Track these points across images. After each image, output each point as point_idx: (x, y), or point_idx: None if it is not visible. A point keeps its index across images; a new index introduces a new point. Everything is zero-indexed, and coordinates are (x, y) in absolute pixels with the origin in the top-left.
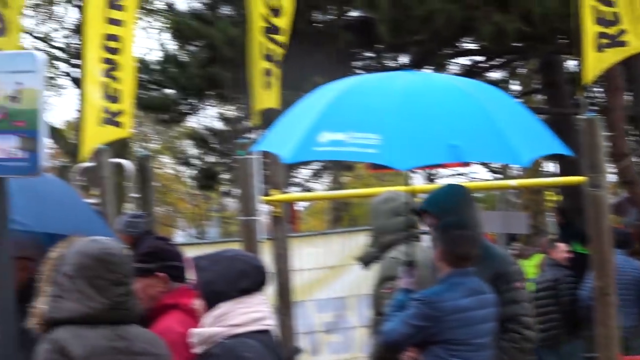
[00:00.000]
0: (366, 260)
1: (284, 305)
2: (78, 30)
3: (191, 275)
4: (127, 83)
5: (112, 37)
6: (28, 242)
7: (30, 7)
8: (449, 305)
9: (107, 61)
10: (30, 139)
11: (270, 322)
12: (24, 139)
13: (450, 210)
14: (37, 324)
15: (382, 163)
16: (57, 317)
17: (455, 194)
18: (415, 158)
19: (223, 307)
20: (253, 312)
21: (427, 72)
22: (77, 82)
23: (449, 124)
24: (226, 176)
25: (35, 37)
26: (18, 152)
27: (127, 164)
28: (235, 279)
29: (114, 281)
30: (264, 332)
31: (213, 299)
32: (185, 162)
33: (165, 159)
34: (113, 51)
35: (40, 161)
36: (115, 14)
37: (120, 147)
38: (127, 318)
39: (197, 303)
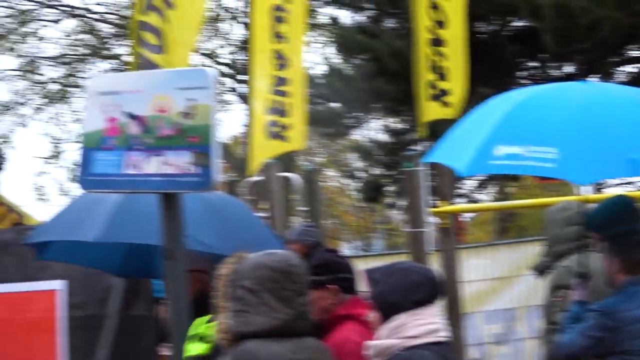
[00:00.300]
0: (540, 269)
1: (454, 317)
2: (244, 46)
3: (362, 287)
4: (295, 97)
5: (280, 52)
6: (200, 255)
7: None
8: (627, 316)
9: (276, 76)
10: (203, 154)
11: (445, 334)
12: (197, 154)
13: (609, 226)
14: (224, 339)
15: (561, 178)
16: (245, 331)
17: (615, 207)
18: (594, 172)
19: (398, 319)
20: (428, 323)
21: (602, 82)
22: (243, 97)
23: (628, 137)
24: (391, 188)
25: (202, 54)
26: (191, 167)
27: (294, 177)
28: (410, 290)
29: (297, 291)
30: (440, 344)
31: (388, 311)
32: (351, 175)
33: (331, 172)
34: (281, 66)
35: (212, 176)
36: (283, 30)
37: (287, 161)
38: (308, 329)
39: (371, 315)
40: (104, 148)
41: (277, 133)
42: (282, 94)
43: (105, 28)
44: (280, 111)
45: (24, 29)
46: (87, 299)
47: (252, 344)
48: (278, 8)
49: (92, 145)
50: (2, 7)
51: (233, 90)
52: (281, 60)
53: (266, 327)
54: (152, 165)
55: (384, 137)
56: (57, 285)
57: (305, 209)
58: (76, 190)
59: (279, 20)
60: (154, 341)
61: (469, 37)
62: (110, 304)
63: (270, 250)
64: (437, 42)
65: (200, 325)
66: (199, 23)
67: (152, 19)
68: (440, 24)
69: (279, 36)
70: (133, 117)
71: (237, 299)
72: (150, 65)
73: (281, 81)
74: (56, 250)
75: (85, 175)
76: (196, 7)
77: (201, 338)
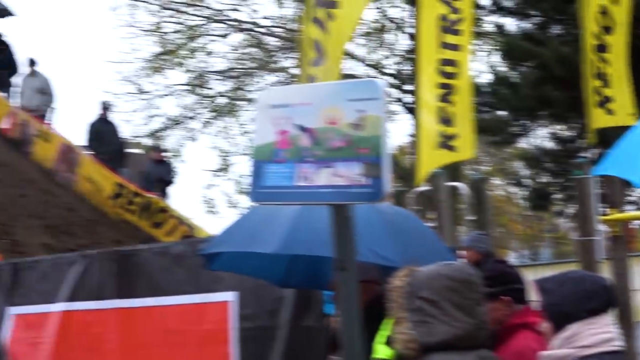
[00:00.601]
0: None
1: (626, 326)
2: (409, 56)
3: (533, 297)
4: (462, 106)
5: (447, 62)
6: (370, 265)
7: (362, 35)
8: None
9: (443, 86)
10: (374, 166)
11: (619, 343)
12: (368, 165)
13: None
14: (409, 349)
15: None
16: (429, 342)
17: None
18: None
19: (572, 329)
20: (602, 332)
21: None
22: (408, 108)
23: None
24: (559, 196)
25: (367, 65)
26: (362, 178)
27: (462, 186)
28: (584, 299)
29: (477, 301)
30: (614, 353)
31: (561, 320)
32: (518, 183)
33: (497, 181)
34: (448, 75)
35: (383, 187)
36: (451, 39)
37: (453, 171)
38: (487, 339)
39: (543, 325)
40: (275, 161)
41: (445, 143)
42: (450, 103)
43: (272, 41)
44: (448, 120)
45: (192, 44)
46: (258, 310)
47: (438, 357)
48: (444, 18)
49: (263, 158)
50: (171, 22)
51: (399, 100)
52: (448, 70)
53: (449, 337)
54: (323, 177)
55: (551, 144)
56: (229, 296)
57: (472, 218)
58: (245, 202)
59: (445, 29)
60: (324, 353)
61: (633, 42)
62: (281, 315)
63: (445, 261)
64: (601, 48)
65: (390, 326)
66: (353, 32)
67: (313, 31)
68: (607, 29)
69: (445, 45)
70: (303, 129)
71: (415, 310)
72: (311, 78)
73: (448, 90)
74: (224, 260)
75: (257, 187)
76: (354, 17)
77: (389, 342)
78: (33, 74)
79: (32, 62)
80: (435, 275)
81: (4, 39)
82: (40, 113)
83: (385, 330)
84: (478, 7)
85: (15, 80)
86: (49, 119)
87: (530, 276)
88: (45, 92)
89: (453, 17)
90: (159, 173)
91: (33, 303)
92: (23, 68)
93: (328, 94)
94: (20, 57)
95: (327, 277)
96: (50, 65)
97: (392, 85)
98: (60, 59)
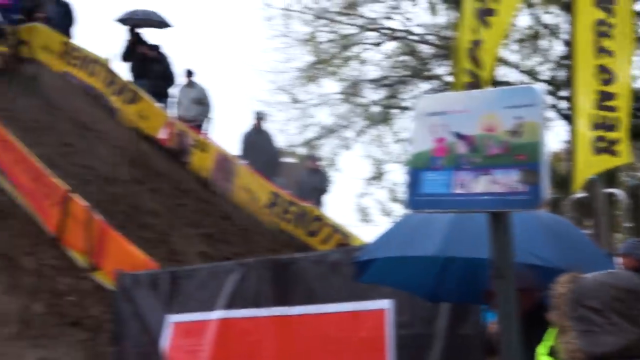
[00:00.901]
0: None
1: None
2: (563, 62)
3: None
4: (619, 112)
5: (603, 68)
6: (528, 273)
7: (516, 42)
8: None
9: (600, 91)
10: (532, 172)
11: None
12: (525, 172)
13: None
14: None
15: None
16: (595, 352)
17: None
18: None
19: None
20: None
21: None
22: (563, 114)
23: None
24: None
25: (521, 71)
26: (519, 185)
27: (619, 193)
28: None
29: None
30: None
31: None
32: None
33: None
34: (606, 81)
35: (541, 194)
36: (608, 44)
37: (609, 177)
38: None
39: None
40: (432, 168)
41: (605, 148)
42: (609, 108)
43: (425, 49)
44: (608, 126)
45: (346, 53)
46: (414, 317)
47: None
48: (601, 22)
49: (420, 165)
50: (325, 32)
51: (553, 106)
52: (607, 75)
53: (616, 347)
54: (480, 184)
55: None
56: (385, 304)
57: (630, 225)
58: (399, 210)
59: (603, 34)
60: None
61: None
62: (437, 323)
63: (604, 268)
64: None
65: (553, 337)
66: (505, 39)
67: (468, 39)
68: None
69: (602, 50)
70: (461, 136)
71: (580, 319)
72: (465, 85)
73: (607, 96)
74: (374, 273)
75: (414, 195)
76: (507, 24)
77: (552, 352)
78: (190, 84)
79: (189, 73)
80: (600, 284)
81: (161, 50)
82: (197, 123)
83: (548, 341)
84: (634, 12)
85: (173, 91)
86: (206, 129)
87: None
88: (202, 103)
89: (611, 21)
90: (313, 182)
91: (191, 311)
92: (180, 79)
93: (485, 101)
94: (178, 68)
95: (479, 289)
96: (207, 76)
97: (547, 92)
98: (216, 70)
